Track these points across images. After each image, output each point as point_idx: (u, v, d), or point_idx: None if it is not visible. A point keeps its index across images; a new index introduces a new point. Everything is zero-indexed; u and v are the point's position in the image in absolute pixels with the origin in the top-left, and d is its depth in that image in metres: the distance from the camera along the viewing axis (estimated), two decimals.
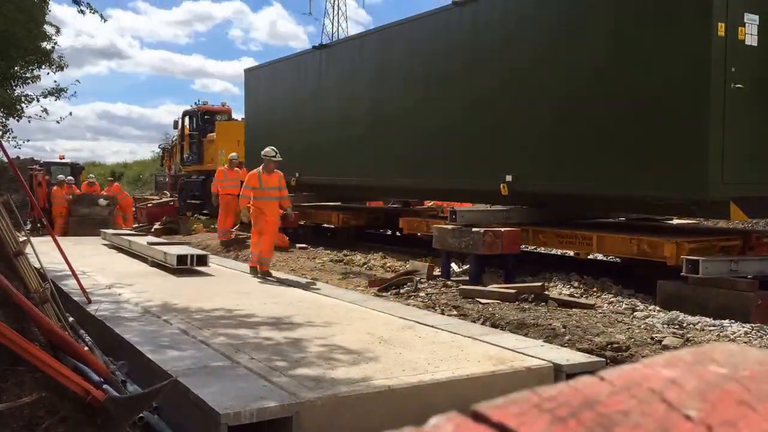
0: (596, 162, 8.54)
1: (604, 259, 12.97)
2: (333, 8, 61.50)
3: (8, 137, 19.28)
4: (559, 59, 9.01)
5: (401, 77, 12.11)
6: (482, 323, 6.72)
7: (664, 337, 6.11)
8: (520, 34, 9.66)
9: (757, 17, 7.42)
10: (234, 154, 15.68)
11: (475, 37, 10.39)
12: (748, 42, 7.39)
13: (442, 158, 11.09)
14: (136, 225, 19.49)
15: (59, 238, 8.05)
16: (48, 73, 18.49)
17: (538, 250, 14.78)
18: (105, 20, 12.38)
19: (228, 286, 8.44)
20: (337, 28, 56.24)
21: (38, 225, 15.93)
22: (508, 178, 9.64)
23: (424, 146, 11.42)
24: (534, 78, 9.38)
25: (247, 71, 18.09)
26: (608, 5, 8.43)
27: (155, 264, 10.10)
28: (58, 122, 20.15)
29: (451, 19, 10.95)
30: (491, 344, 5.38)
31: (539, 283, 7.74)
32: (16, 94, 17.61)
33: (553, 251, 14.32)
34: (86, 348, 4.94)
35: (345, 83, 13.71)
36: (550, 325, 6.49)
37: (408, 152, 11.79)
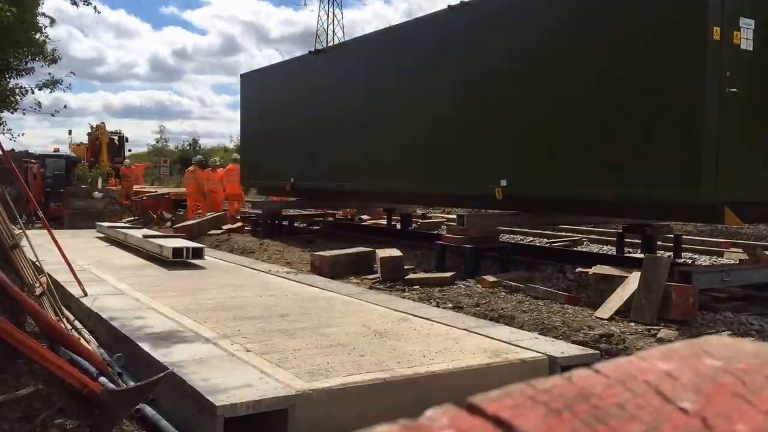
0: (590, 165, 8.51)
1: (599, 252, 13.02)
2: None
3: (2, 129, 19.21)
4: (554, 63, 8.97)
5: (396, 82, 12.05)
6: (477, 315, 6.73)
7: (659, 329, 6.13)
8: (513, 39, 9.61)
9: (752, 21, 7.41)
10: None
11: (469, 42, 10.34)
12: (743, 46, 7.39)
13: (435, 163, 11.05)
14: (132, 218, 19.44)
15: (54, 231, 8.03)
16: (42, 66, 18.43)
17: (535, 242, 14.84)
18: (98, 12, 12.42)
19: (224, 279, 8.44)
20: (332, 21, 56.04)
21: (34, 218, 15.89)
22: (503, 182, 9.60)
23: (418, 151, 11.39)
24: (529, 83, 9.34)
25: (243, 76, 18.08)
26: (601, 10, 8.42)
27: (151, 257, 10.09)
28: (53, 114, 20.09)
29: (445, 23, 10.88)
30: (486, 336, 5.40)
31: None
32: (9, 86, 17.52)
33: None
34: (82, 340, 4.93)
35: (340, 88, 13.67)
36: (545, 317, 6.51)
37: (402, 157, 11.77)
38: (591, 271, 7.88)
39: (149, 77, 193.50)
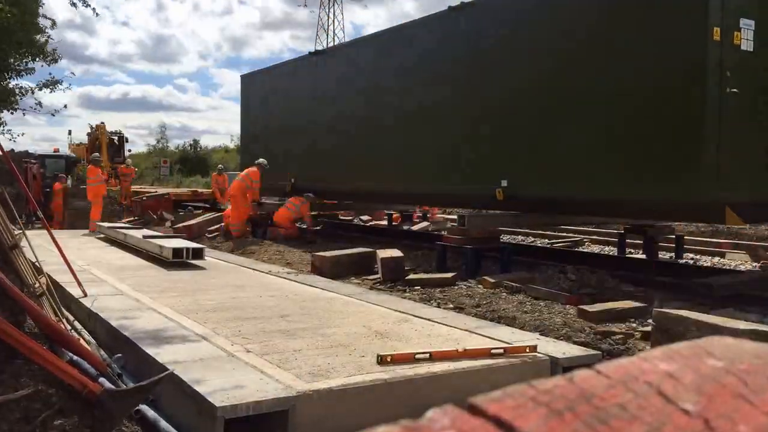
0: (592, 166, 8.51)
1: (600, 252, 13.00)
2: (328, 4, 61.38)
3: (2, 129, 19.22)
4: (554, 65, 8.97)
5: (396, 83, 12.04)
6: (478, 316, 6.73)
7: None
8: (515, 42, 9.60)
9: (752, 22, 7.41)
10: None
11: (472, 44, 10.32)
12: (743, 47, 7.39)
13: (436, 163, 11.04)
14: (133, 218, 19.44)
15: (54, 231, 8.04)
16: (42, 66, 18.45)
17: (536, 242, 14.83)
18: (97, 14, 12.47)
19: (224, 279, 8.44)
20: (333, 22, 56.08)
21: (33, 218, 15.89)
22: (504, 183, 9.59)
23: (418, 152, 11.37)
24: (529, 84, 9.34)
25: (244, 77, 18.10)
26: (603, 10, 8.42)
27: (151, 257, 10.08)
28: (53, 114, 20.12)
29: (447, 24, 10.87)
30: (487, 337, 5.39)
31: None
32: (10, 87, 17.52)
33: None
34: (82, 341, 4.93)
35: (340, 89, 13.67)
36: (547, 318, 6.50)
37: (402, 158, 11.76)
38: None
39: (138, 60, 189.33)
